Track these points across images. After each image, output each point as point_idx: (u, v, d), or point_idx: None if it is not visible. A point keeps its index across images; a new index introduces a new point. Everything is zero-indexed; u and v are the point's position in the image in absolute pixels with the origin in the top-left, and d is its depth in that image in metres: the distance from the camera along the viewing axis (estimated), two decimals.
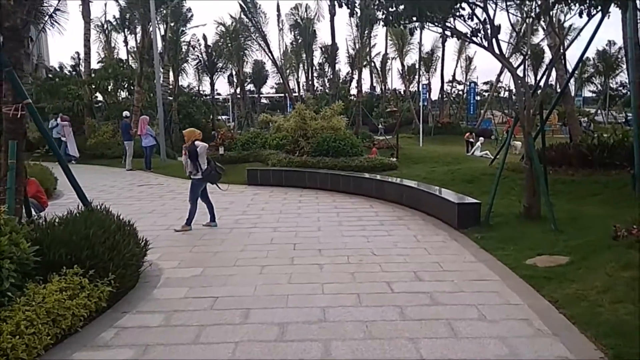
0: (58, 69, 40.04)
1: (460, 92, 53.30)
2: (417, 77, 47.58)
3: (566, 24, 29.34)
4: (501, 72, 38.72)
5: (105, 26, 39.48)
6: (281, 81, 43.15)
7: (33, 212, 8.07)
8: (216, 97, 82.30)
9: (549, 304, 4.70)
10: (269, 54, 27.68)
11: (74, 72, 35.62)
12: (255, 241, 7.32)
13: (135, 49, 35.98)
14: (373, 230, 7.92)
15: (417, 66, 46.67)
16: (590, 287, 4.83)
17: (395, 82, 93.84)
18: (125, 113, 17.10)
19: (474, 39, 8.24)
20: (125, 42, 39.24)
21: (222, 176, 8.48)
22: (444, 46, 42.34)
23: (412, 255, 6.48)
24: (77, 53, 43.90)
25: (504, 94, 57.83)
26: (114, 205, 10.44)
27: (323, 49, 44.70)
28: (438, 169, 14.51)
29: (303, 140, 13.81)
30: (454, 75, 50.24)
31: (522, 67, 11.77)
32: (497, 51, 8.09)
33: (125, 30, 37.98)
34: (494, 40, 8.03)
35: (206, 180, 8.24)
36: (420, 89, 43.73)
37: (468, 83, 47.59)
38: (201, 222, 8.37)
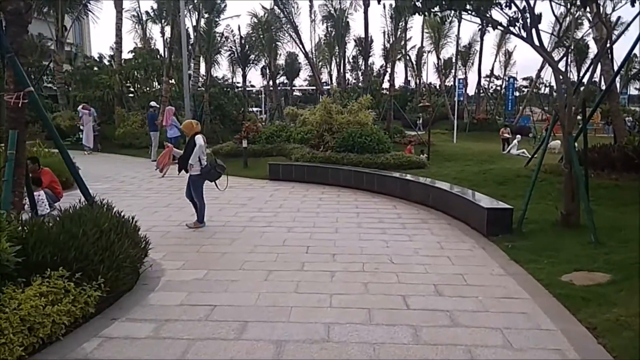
0: (97, 59, 40.70)
1: (498, 88, 51.64)
2: (453, 71, 46.32)
3: (613, 17, 27.72)
4: (542, 67, 37.12)
5: (142, 17, 39.78)
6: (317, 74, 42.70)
7: (41, 204, 7.90)
8: (249, 88, 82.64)
9: (586, 332, 4.10)
10: (300, 46, 27.27)
11: (109, 62, 36.08)
12: (266, 242, 6.90)
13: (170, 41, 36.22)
14: (394, 234, 7.39)
15: (453, 60, 45.39)
16: (635, 313, 4.20)
17: (430, 76, 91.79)
18: (152, 103, 16.99)
19: (512, 29, 7.55)
20: (162, 33, 39.38)
21: (222, 175, 7.90)
22: (482, 39, 40.90)
23: (434, 265, 5.93)
24: (116, 44, 44.57)
25: (544, 90, 55.70)
26: (131, 197, 10.33)
27: (357, 41, 43.95)
28: (469, 168, 13.78)
29: (328, 134, 13.32)
30: (492, 70, 48.55)
31: (564, 61, 10.92)
32: (536, 43, 7.39)
33: (163, 21, 38.13)
34: (533, 30, 7.33)
35: (204, 178, 7.77)
36: (456, 83, 42.49)
37: (507, 78, 45.99)
38: (192, 221, 7.96)
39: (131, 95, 24.85)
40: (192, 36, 27.75)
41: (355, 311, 4.51)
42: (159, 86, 23.97)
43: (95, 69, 23.49)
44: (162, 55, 23.50)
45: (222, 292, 5.03)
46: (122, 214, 5.64)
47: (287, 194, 10.61)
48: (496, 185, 10.07)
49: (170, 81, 20.70)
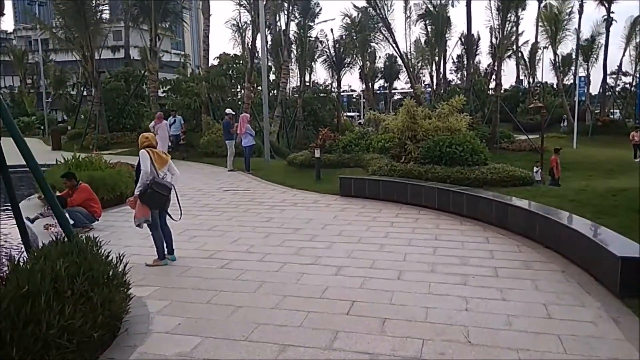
0: (196, 67, 41.91)
1: (627, 86, 45.25)
2: (573, 68, 41.28)
3: None
4: None
5: (241, 25, 40.21)
6: (415, 75, 40.28)
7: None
8: (349, 93, 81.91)
9: None
10: (394, 45, 25.31)
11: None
12: (301, 291, 5.22)
13: (269, 46, 36.07)
14: (479, 285, 5.32)
15: (573, 56, 40.42)
16: None
17: (546, 74, 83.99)
18: (228, 110, 16.13)
19: None
20: (266, 42, 39.19)
21: (166, 197, 6.15)
22: (607, 31, 35.78)
23: (535, 349, 3.85)
24: (204, 50, 45.65)
25: None
26: (184, 215, 9.19)
27: (462, 39, 40.78)
28: (593, 184, 10.99)
29: (411, 143, 11.31)
30: (619, 66, 42.62)
31: None
32: None
33: (266, 30, 37.92)
34: None
35: (148, 205, 6.01)
36: (577, 81, 37.66)
37: (638, 75, 39.96)
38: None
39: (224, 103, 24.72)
40: (282, 41, 26.96)
41: None
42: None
43: (180, 76, 23.43)
44: (245, 60, 22.81)
45: None
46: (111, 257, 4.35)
47: (353, 216, 8.83)
48: (632, 214, 7.40)
49: (253, 87, 19.88)
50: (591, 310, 4.66)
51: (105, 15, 30.56)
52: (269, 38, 36.37)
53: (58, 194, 8.12)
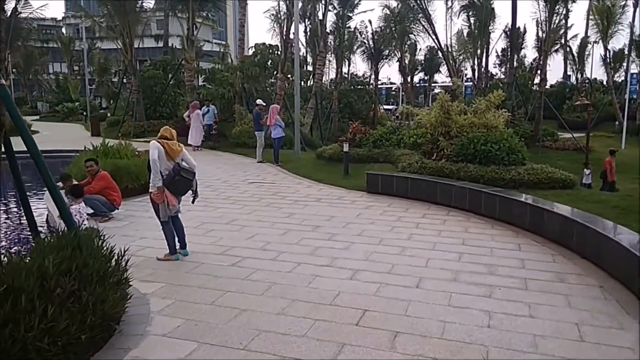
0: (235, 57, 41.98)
1: None
2: (625, 64, 39.10)
3: None
4: None
5: (280, 16, 39.95)
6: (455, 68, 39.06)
7: (82, 215, 6.88)
8: (388, 86, 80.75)
9: None
10: (433, 37, 24.53)
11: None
12: (311, 296, 4.92)
13: (307, 37, 35.68)
14: (506, 298, 4.88)
15: (626, 51, 38.23)
16: None
17: (595, 70, 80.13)
18: (258, 101, 15.92)
19: None
20: (305, 32, 38.91)
21: (193, 183, 6.07)
22: None
23: None
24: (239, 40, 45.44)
25: None
26: (201, 207, 9.07)
27: (507, 31, 39.24)
28: None
29: (444, 139, 10.76)
30: None
31: None
32: None
33: (306, 20, 37.58)
34: None
35: (172, 192, 5.88)
36: (628, 78, 35.66)
37: None
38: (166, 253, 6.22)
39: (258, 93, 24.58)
40: (319, 31, 26.55)
41: None
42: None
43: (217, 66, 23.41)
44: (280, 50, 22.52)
45: None
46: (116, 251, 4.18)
47: (377, 215, 8.45)
48: None
49: (286, 78, 19.61)
50: (630, 333, 4.17)
51: (148, 4, 30.99)
52: (307, 28, 36.10)
53: (75, 183, 8.09)
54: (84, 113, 38.78)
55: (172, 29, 36.65)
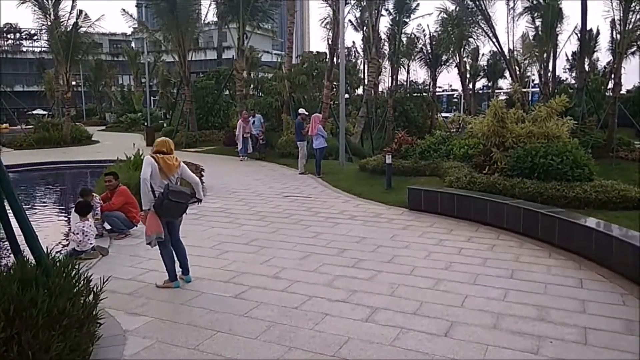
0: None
1: None
2: None
3: None
4: None
5: (330, 22, 39.37)
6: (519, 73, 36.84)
7: (87, 234, 6.44)
8: (449, 92, 78.10)
9: None
10: (494, 40, 23.05)
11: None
12: (313, 342, 4.11)
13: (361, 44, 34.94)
14: (556, 356, 3.84)
15: None
16: None
17: None
18: (300, 110, 15.30)
19: None
20: (363, 40, 37.95)
21: (186, 205, 5.35)
22: None
23: None
24: (316, 52, 44.92)
25: None
26: (226, 223, 8.50)
27: (577, 33, 36.57)
28: None
29: (497, 151, 9.60)
30: None
31: None
32: None
33: (364, 27, 36.82)
34: None
35: (162, 216, 5.23)
36: None
37: None
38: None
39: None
40: (371, 37, 25.67)
41: None
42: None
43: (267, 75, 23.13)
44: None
45: None
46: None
47: (415, 237, 7.48)
48: None
49: (333, 86, 18.91)
50: None
51: (201, 16, 31.37)
52: (364, 36, 35.27)
53: (97, 197, 7.73)
54: (145, 123, 40.08)
55: (230, 40, 37.11)
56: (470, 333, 4.27)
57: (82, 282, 4.08)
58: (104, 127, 43.54)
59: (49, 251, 4.13)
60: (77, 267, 4.20)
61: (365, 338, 4.18)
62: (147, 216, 5.19)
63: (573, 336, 4.21)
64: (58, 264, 4.08)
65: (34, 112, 47.93)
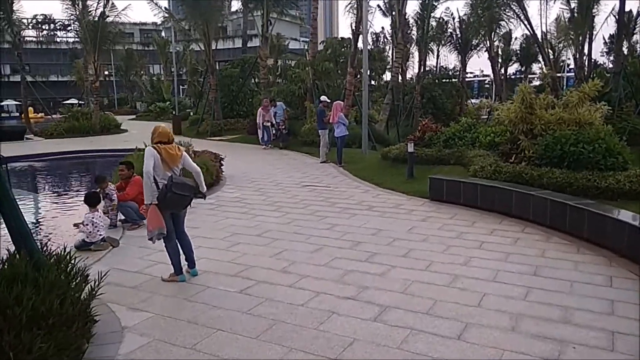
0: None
1: None
2: None
3: None
4: None
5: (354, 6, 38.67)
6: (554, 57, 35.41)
7: (93, 228, 6.36)
8: (480, 78, 76.12)
9: None
10: (525, 23, 22.14)
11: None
12: (315, 343, 3.89)
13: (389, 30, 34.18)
14: None
15: None
16: None
17: None
18: (322, 98, 15.01)
19: None
20: (391, 26, 37.08)
21: (190, 198, 5.15)
22: None
23: None
24: (341, 37, 44.10)
25: None
26: (241, 214, 8.34)
27: (615, 14, 34.85)
28: None
29: (525, 138, 9.11)
30: None
31: None
32: None
33: (393, 13, 35.99)
34: None
35: (167, 209, 5.07)
36: None
37: None
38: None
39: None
40: (397, 22, 25.05)
41: None
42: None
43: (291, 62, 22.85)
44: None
45: None
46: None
47: (434, 229, 7.15)
48: None
49: (354, 72, 18.46)
50: None
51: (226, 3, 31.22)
52: (389, 21, 34.53)
53: (112, 186, 7.67)
54: (173, 112, 40.46)
55: (257, 29, 36.93)
56: (486, 336, 3.97)
57: (78, 278, 3.96)
58: (134, 116, 44.19)
59: (44, 245, 4.02)
60: (73, 261, 4.08)
61: (371, 340, 3.93)
62: (149, 210, 5.04)
63: (599, 341, 3.86)
64: (53, 258, 3.97)
65: (68, 101, 49.09)
